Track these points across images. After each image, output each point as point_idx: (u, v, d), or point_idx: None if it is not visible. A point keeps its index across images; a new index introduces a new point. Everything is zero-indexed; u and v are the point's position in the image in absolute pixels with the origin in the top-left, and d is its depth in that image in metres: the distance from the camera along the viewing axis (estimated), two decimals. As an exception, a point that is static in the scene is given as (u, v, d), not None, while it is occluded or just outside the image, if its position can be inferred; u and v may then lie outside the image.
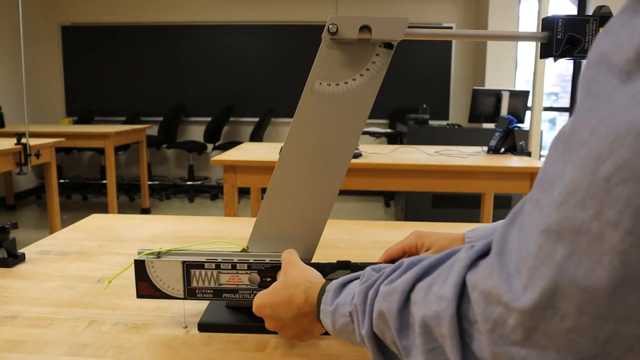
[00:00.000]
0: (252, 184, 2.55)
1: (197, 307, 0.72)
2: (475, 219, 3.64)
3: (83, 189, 5.89)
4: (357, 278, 0.51)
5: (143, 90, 6.01)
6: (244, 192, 4.88)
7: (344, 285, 0.51)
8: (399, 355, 0.42)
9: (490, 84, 5.47)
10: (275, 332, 0.62)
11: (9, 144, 2.93)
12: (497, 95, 4.16)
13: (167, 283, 0.66)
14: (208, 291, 0.66)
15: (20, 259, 0.91)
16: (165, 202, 5.63)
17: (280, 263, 0.65)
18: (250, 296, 0.66)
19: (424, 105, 4.62)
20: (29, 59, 5.72)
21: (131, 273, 0.66)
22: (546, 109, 5.51)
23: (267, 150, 2.76)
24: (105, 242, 1.04)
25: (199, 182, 5.97)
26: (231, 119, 5.95)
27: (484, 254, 0.37)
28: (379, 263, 0.68)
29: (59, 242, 1.04)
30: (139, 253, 0.66)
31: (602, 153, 0.27)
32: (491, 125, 4.06)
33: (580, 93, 0.31)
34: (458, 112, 5.91)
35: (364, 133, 4.28)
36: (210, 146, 5.78)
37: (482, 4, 5.63)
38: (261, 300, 0.60)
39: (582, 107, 0.30)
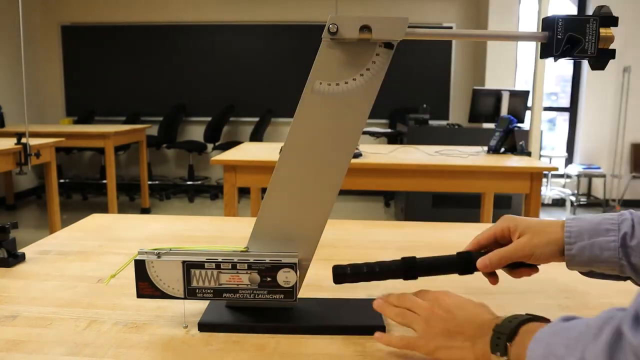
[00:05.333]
0: (252, 184, 2.55)
1: (197, 307, 0.72)
2: (475, 219, 3.64)
3: (83, 189, 5.89)
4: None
5: (143, 90, 6.01)
6: (244, 192, 4.88)
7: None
8: None
9: (490, 84, 5.47)
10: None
11: (9, 143, 2.93)
12: (497, 95, 4.16)
13: (167, 283, 0.66)
14: (208, 291, 0.66)
15: (20, 258, 0.91)
16: (165, 202, 5.63)
17: (280, 263, 0.65)
18: (250, 296, 0.66)
19: (424, 105, 4.62)
20: (29, 59, 5.72)
21: (131, 273, 0.66)
22: (546, 109, 5.52)
23: (267, 150, 2.76)
24: (105, 242, 1.04)
25: (199, 182, 5.97)
26: (231, 119, 5.95)
27: None
28: (468, 251, 0.68)
29: (59, 242, 1.04)
30: (139, 253, 0.66)
31: None
32: (491, 125, 4.06)
33: None
34: (458, 112, 5.91)
35: (364, 133, 4.28)
36: (210, 146, 5.79)
37: (482, 4, 5.63)
38: (456, 300, 0.60)
39: None
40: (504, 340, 0.52)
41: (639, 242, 0.60)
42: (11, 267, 0.89)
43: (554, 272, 0.82)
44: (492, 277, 0.68)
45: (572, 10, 5.42)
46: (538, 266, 0.67)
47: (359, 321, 0.68)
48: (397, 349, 0.61)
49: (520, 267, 0.67)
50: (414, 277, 0.68)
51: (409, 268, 0.68)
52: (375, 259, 0.70)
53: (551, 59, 0.63)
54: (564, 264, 0.65)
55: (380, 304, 0.65)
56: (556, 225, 0.65)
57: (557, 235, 0.64)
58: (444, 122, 5.18)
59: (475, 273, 0.68)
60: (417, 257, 0.69)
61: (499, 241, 0.69)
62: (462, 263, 0.68)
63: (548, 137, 5.84)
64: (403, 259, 0.69)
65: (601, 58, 0.61)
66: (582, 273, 0.66)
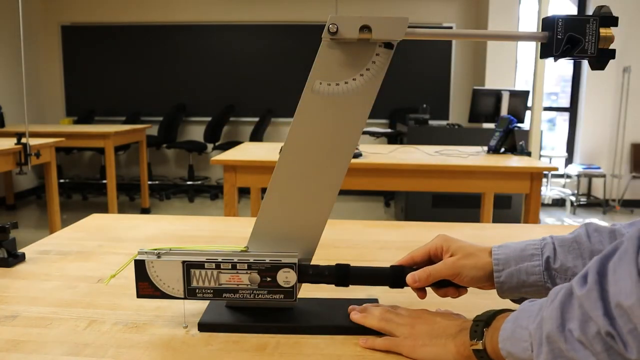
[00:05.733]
0: (252, 184, 2.56)
1: (197, 307, 0.72)
2: (475, 219, 3.64)
3: (83, 189, 5.89)
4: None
5: (143, 90, 6.01)
6: (244, 192, 4.88)
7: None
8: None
9: (490, 84, 5.48)
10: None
11: (9, 144, 2.93)
12: (497, 95, 4.16)
13: (167, 283, 0.66)
14: (208, 291, 0.66)
15: (20, 258, 0.91)
16: (165, 202, 5.63)
17: (280, 263, 0.65)
18: (250, 296, 0.66)
19: (424, 105, 4.62)
20: (29, 59, 5.72)
21: (131, 273, 0.66)
22: (546, 109, 5.52)
23: (267, 150, 2.76)
24: (105, 242, 1.04)
25: (199, 182, 5.97)
26: (231, 119, 5.95)
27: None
28: (401, 265, 0.70)
29: (59, 242, 1.04)
30: (139, 253, 0.66)
31: None
32: (491, 125, 4.06)
33: None
34: (458, 112, 5.91)
35: (364, 133, 4.28)
36: (210, 146, 5.79)
37: (482, 4, 5.63)
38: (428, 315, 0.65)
39: None
40: (481, 326, 0.56)
41: (562, 265, 0.63)
42: (11, 267, 0.89)
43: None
44: (421, 292, 0.69)
45: (572, 10, 5.42)
46: (467, 288, 0.68)
47: (359, 321, 0.68)
48: (381, 350, 0.62)
49: (448, 286, 0.68)
50: (346, 285, 0.69)
51: (342, 275, 0.68)
52: (375, 259, 0.71)
53: (551, 59, 0.63)
54: None
55: (359, 316, 0.67)
56: (485, 251, 0.67)
57: (485, 260, 0.66)
58: (444, 122, 5.18)
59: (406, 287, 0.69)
60: (352, 265, 0.69)
61: (432, 259, 0.70)
62: (394, 276, 0.69)
63: (548, 137, 5.84)
64: (337, 265, 0.69)
65: (601, 58, 0.61)
66: (513, 301, 0.68)
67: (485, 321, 0.56)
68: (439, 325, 0.62)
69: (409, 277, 0.67)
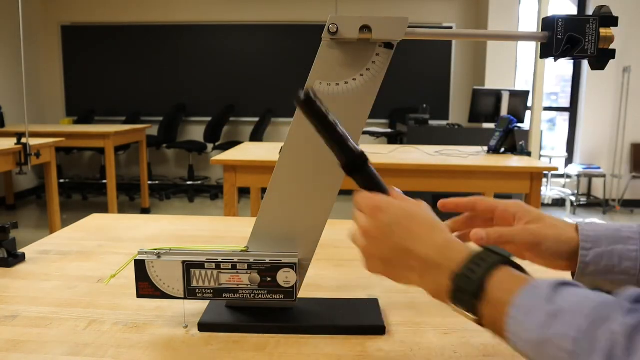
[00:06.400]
0: (252, 184, 2.56)
1: (197, 307, 0.72)
2: (475, 219, 3.63)
3: (83, 189, 5.89)
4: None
5: (143, 90, 6.01)
6: (244, 192, 4.88)
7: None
8: None
9: (490, 84, 5.47)
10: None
11: (9, 144, 2.93)
12: (497, 95, 4.16)
13: (167, 283, 0.66)
14: (208, 291, 0.66)
15: (20, 258, 0.91)
16: (165, 202, 5.62)
17: (280, 263, 0.65)
18: (250, 296, 0.66)
19: (424, 105, 4.62)
20: (29, 59, 5.72)
21: (131, 273, 0.66)
22: (546, 109, 5.52)
23: (267, 150, 2.76)
24: (105, 242, 1.04)
25: (199, 182, 5.97)
26: (231, 119, 5.95)
27: None
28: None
29: (59, 242, 1.04)
30: (139, 253, 0.66)
31: None
32: (491, 125, 4.06)
33: None
34: (458, 112, 5.90)
35: (364, 133, 4.28)
36: (210, 146, 5.79)
37: (482, 4, 5.63)
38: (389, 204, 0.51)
39: None
40: (468, 298, 0.44)
41: None
42: (11, 267, 0.89)
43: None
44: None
45: (572, 10, 5.42)
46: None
47: (359, 321, 0.68)
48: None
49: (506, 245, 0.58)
50: (351, 175, 0.56)
51: (354, 166, 0.56)
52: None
53: (551, 59, 0.63)
54: None
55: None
56: (570, 226, 0.58)
57: (571, 235, 0.56)
58: (444, 122, 5.18)
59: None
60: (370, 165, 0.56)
61: (480, 215, 0.63)
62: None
63: (548, 137, 5.84)
64: (359, 153, 0.55)
65: (601, 58, 0.61)
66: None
67: (472, 293, 0.44)
68: (392, 247, 0.51)
69: (475, 233, 0.57)
